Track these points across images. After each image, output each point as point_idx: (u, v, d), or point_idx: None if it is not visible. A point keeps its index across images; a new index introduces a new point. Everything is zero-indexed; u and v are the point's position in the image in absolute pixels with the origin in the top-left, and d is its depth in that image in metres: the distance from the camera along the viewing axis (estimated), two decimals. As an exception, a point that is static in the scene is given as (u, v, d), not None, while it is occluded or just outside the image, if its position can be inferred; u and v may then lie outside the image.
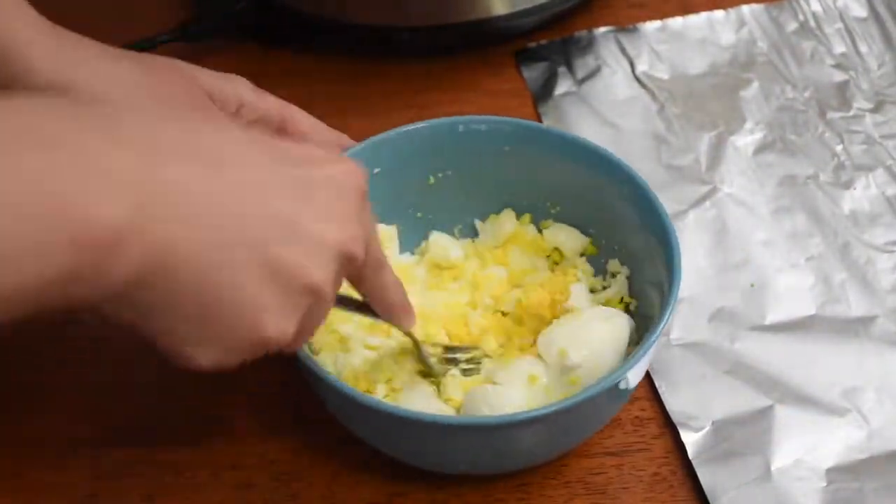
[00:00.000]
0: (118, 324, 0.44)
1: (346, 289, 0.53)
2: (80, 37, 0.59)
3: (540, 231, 0.66)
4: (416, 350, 0.58)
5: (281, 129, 0.63)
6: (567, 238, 0.65)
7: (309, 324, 0.47)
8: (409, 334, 0.57)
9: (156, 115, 0.45)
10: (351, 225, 0.46)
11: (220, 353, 0.45)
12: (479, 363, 0.60)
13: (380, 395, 0.57)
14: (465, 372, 0.59)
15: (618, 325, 0.58)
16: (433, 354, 0.59)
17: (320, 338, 0.59)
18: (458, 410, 0.57)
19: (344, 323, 0.60)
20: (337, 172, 0.47)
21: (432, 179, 0.65)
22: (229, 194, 0.42)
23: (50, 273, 0.38)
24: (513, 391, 0.56)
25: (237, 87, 0.63)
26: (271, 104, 0.64)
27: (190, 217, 0.41)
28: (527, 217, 0.66)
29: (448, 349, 0.60)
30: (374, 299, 0.53)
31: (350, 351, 0.59)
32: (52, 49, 0.57)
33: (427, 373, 0.59)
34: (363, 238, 0.47)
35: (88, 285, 0.39)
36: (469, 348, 0.60)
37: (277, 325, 0.44)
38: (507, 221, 0.66)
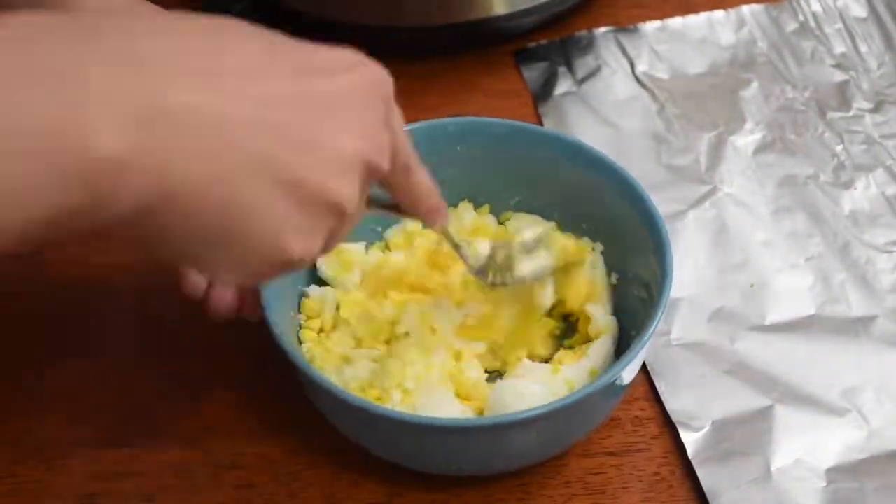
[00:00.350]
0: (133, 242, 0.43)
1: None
2: None
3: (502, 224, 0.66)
4: (454, 249, 0.57)
5: None
6: (530, 225, 0.65)
7: (335, 238, 0.45)
8: (444, 233, 0.56)
9: (164, 20, 0.41)
10: (374, 135, 0.44)
11: (243, 275, 0.43)
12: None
13: (396, 401, 0.56)
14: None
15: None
16: (471, 253, 0.58)
17: (321, 356, 0.59)
18: (479, 408, 0.57)
19: (340, 345, 0.60)
20: (359, 79, 0.44)
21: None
22: (243, 112, 0.40)
23: (50, 208, 0.36)
24: (537, 385, 0.57)
25: None
26: None
27: (198, 141, 0.38)
28: (486, 208, 0.66)
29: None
30: (405, 203, 0.52)
31: (354, 364, 0.59)
32: None
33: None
34: (389, 147, 0.45)
35: (94, 217, 0.38)
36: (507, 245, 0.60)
37: (302, 244, 0.42)
38: (465, 213, 0.66)
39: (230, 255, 0.42)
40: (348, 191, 0.43)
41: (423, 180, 0.51)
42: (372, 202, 0.50)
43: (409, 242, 0.65)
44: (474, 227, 0.65)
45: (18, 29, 0.37)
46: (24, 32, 0.37)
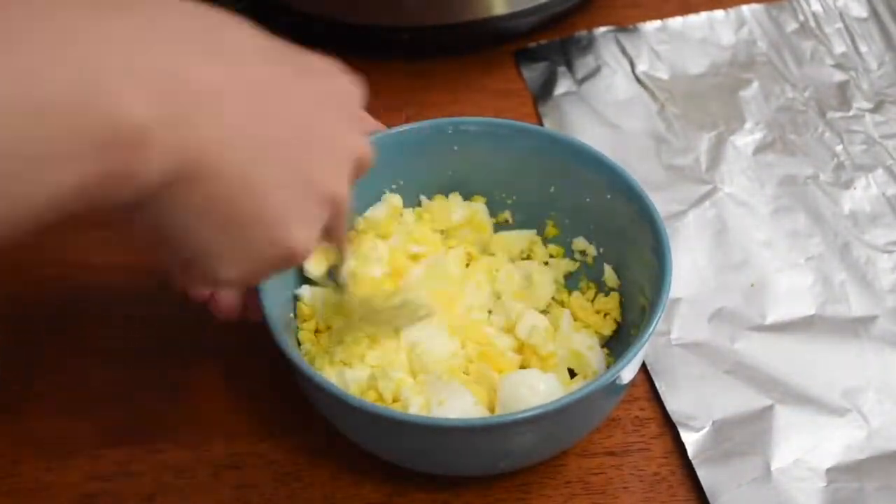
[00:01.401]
0: (141, 231, 0.43)
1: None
2: None
3: None
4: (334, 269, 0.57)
5: None
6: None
7: (327, 235, 0.47)
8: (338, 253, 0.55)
9: (176, 7, 0.42)
10: (362, 134, 0.46)
11: (245, 266, 0.43)
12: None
13: (408, 395, 0.56)
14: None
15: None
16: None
17: (320, 357, 0.59)
18: (491, 399, 0.57)
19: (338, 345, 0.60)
20: (343, 84, 0.46)
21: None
22: (254, 96, 0.41)
23: (78, 177, 0.36)
24: (548, 375, 0.57)
25: None
26: None
27: (217, 118, 0.39)
28: (479, 198, 0.66)
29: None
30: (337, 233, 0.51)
31: (354, 366, 0.59)
32: None
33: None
34: (370, 147, 0.47)
35: (116, 189, 0.38)
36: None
37: (304, 234, 0.43)
38: (456, 207, 0.66)
39: (234, 240, 0.42)
40: (343, 185, 0.45)
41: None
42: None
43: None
44: (466, 220, 0.65)
45: None
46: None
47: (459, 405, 0.56)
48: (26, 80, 0.34)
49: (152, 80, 0.37)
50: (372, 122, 0.51)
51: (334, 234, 0.50)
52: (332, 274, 0.58)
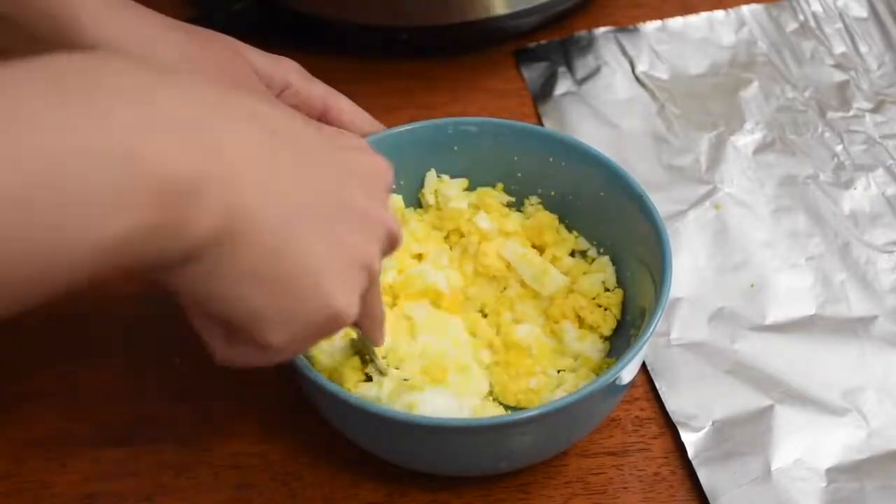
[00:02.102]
0: (187, 301, 0.44)
1: None
2: (131, 2, 0.59)
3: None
4: (370, 357, 0.58)
5: (323, 116, 0.64)
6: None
7: (365, 305, 0.48)
8: (369, 348, 0.57)
9: (205, 80, 0.44)
10: (388, 209, 0.47)
11: (293, 330, 0.44)
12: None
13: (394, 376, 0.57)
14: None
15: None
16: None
17: None
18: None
19: None
20: (372, 161, 0.47)
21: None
22: (289, 162, 0.42)
23: (127, 227, 0.37)
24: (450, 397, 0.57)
25: (285, 70, 0.63)
26: (317, 90, 0.64)
27: (259, 181, 0.40)
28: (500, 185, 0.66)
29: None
30: (365, 311, 0.51)
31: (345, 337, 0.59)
32: (102, 11, 0.57)
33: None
34: (398, 222, 0.48)
35: (165, 241, 0.38)
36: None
37: (345, 295, 0.44)
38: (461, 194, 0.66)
39: (281, 302, 0.43)
40: (376, 253, 0.46)
41: (380, 293, 0.52)
42: None
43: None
44: (474, 205, 0.65)
45: (97, 57, 0.39)
46: (104, 60, 0.38)
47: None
48: (80, 135, 0.36)
49: (200, 140, 0.39)
50: (390, 207, 0.50)
51: (368, 310, 0.50)
52: (369, 359, 0.58)
